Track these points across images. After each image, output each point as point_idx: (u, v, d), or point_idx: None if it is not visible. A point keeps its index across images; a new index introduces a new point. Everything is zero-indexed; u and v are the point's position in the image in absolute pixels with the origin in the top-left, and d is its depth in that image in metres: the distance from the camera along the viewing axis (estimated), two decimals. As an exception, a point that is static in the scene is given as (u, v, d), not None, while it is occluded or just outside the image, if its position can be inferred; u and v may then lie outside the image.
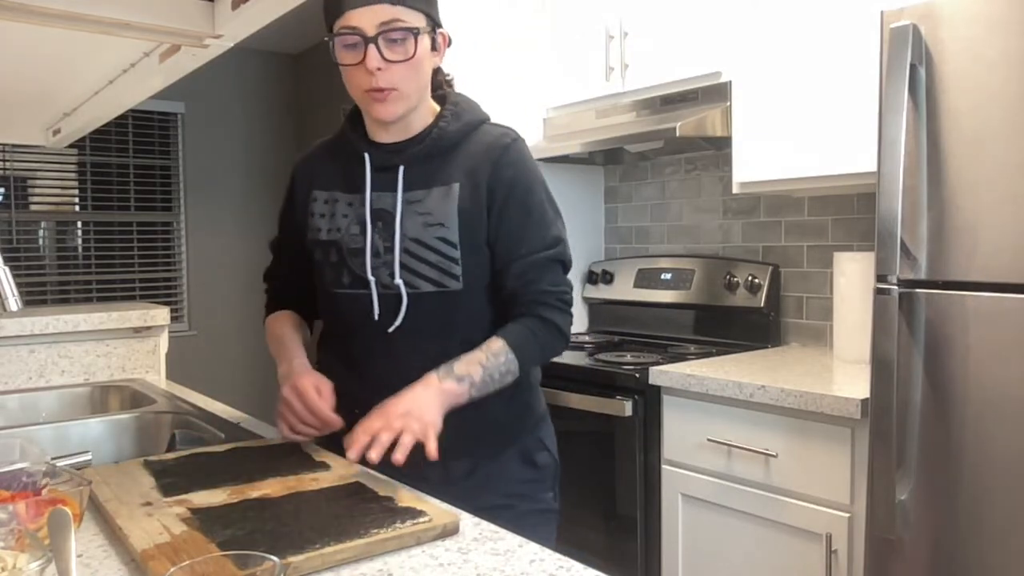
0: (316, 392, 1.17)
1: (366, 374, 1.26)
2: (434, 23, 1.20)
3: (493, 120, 1.33)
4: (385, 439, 1.04)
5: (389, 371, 1.22)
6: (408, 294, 1.21)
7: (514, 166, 1.24)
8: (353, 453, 1.04)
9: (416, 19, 1.16)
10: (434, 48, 1.22)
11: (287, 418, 1.18)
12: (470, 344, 1.20)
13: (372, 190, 1.24)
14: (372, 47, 1.13)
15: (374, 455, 1.03)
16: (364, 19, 1.13)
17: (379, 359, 1.26)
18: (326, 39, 1.18)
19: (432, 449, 1.05)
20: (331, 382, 1.20)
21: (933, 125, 1.48)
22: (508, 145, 1.25)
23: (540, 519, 1.30)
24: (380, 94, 1.16)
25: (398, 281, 1.21)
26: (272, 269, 1.45)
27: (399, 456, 1.03)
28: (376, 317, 1.24)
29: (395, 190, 1.23)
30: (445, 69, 1.33)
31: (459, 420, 1.16)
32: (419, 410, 1.09)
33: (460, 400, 1.15)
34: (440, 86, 1.32)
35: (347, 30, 1.14)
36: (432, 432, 1.07)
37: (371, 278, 1.23)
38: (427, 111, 1.27)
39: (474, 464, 1.27)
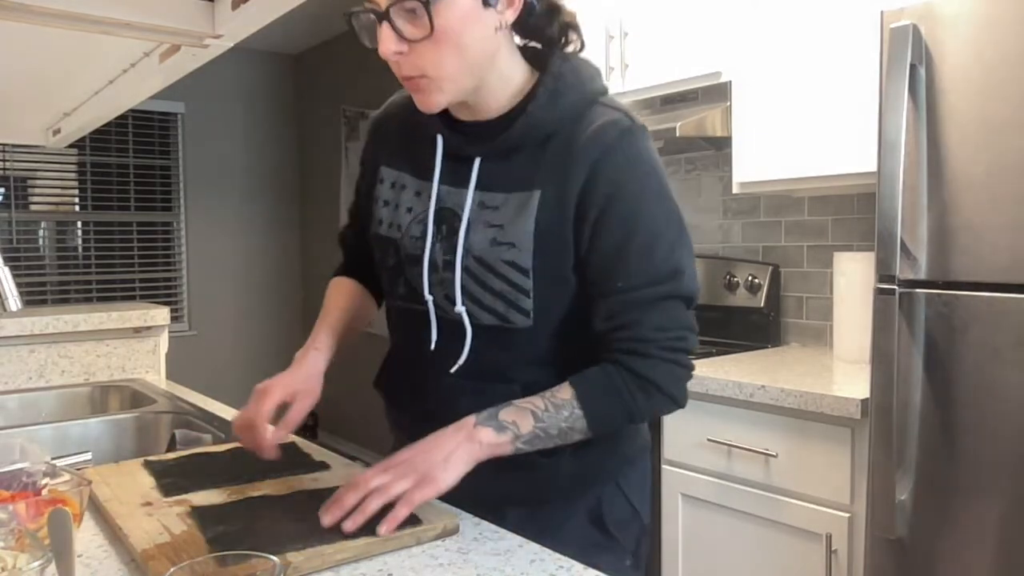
0: (274, 407, 1.00)
1: (419, 409, 1.07)
2: None
3: (605, 99, 0.99)
4: (348, 501, 0.86)
5: (443, 410, 0.98)
6: (472, 325, 0.99)
7: (620, 170, 0.94)
8: (325, 519, 0.86)
9: None
10: (487, 3, 0.89)
11: (237, 425, 1.04)
12: (533, 393, 0.95)
13: (441, 182, 1.00)
14: (385, 25, 0.87)
15: (326, 520, 0.85)
16: None
17: (434, 395, 1.05)
18: (345, 14, 0.94)
19: (394, 518, 0.84)
20: (316, 392, 1.04)
21: (933, 125, 1.48)
22: (614, 140, 0.94)
23: None
24: (412, 82, 0.92)
25: (460, 309, 0.98)
26: (346, 234, 1.22)
27: (382, 530, 0.84)
28: (433, 346, 1.02)
29: (466, 187, 0.98)
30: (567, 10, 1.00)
31: (517, 463, 0.95)
32: (427, 462, 0.88)
33: (498, 453, 0.92)
34: (551, 39, 0.99)
35: (366, 4, 0.90)
36: (427, 494, 0.87)
37: (428, 296, 1.00)
38: (511, 83, 0.97)
39: (528, 514, 1.02)
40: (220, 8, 1.24)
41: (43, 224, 4.66)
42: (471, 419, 0.92)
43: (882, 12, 1.55)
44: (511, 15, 0.92)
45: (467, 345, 0.99)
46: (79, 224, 4.75)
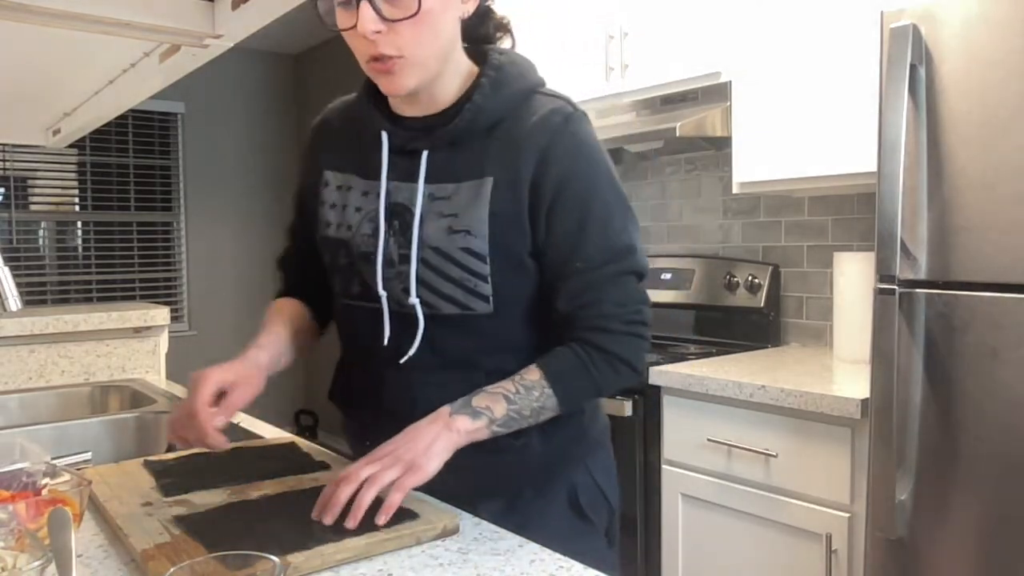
0: (212, 394, 0.96)
1: (378, 409, 1.07)
2: None
3: (545, 89, 1.03)
4: (343, 495, 0.85)
5: (403, 406, 1.01)
6: (425, 315, 1.00)
7: (569, 154, 0.97)
8: (324, 517, 0.86)
9: None
10: None
11: (172, 419, 0.99)
12: (501, 379, 0.97)
13: (390, 179, 1.01)
14: (365, 4, 0.87)
15: (327, 519, 0.85)
16: None
17: (392, 391, 1.05)
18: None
19: (389, 505, 0.85)
20: (257, 384, 1.01)
21: (933, 125, 1.48)
22: (560, 126, 0.97)
23: None
24: (384, 64, 0.91)
25: (413, 300, 0.99)
26: (286, 257, 1.22)
27: (380, 520, 0.85)
28: (386, 341, 1.02)
29: (416, 180, 0.99)
30: (499, 10, 1.05)
31: (487, 446, 0.96)
32: (410, 451, 0.89)
33: (476, 438, 0.94)
34: (486, 38, 1.04)
35: None
36: (415, 479, 0.88)
37: (382, 292, 1.01)
38: (459, 75, 1.00)
39: (507, 505, 1.05)
40: (220, 8, 1.24)
41: (43, 224, 4.66)
42: (445, 409, 0.93)
43: (882, 12, 1.55)
44: (471, 7, 0.97)
45: (418, 336, 1.00)
46: (79, 224, 4.75)
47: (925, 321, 1.50)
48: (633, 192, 2.96)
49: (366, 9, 0.87)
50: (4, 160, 4.42)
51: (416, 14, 0.88)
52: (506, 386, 0.96)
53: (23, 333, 1.86)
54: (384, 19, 0.88)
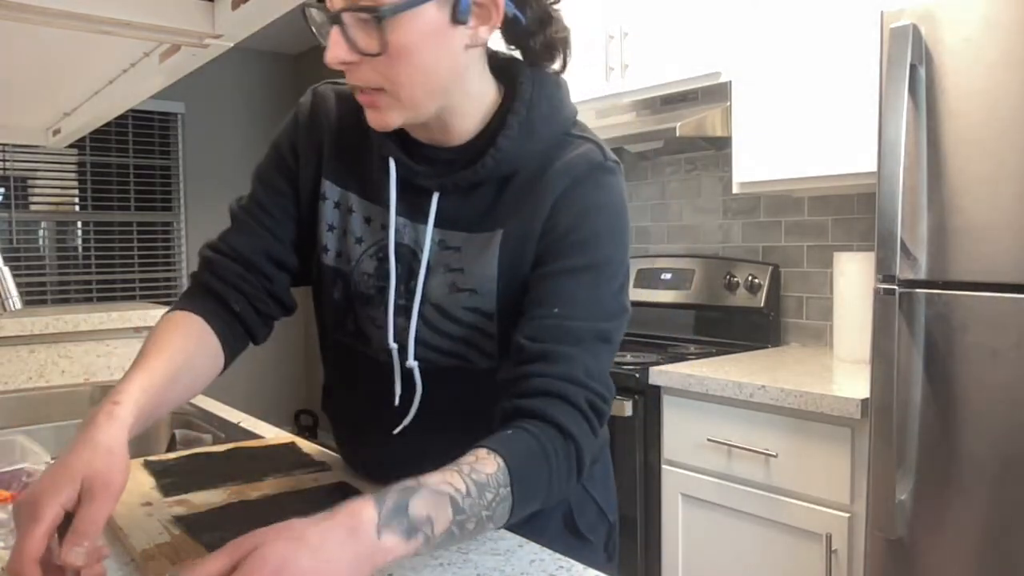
0: (44, 536, 0.63)
1: (369, 459, 0.99)
2: None
3: (578, 126, 0.90)
4: None
5: (393, 461, 0.86)
6: (421, 370, 0.89)
7: (584, 203, 0.84)
8: None
9: None
10: (456, 19, 0.77)
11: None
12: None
13: (397, 213, 0.88)
14: (336, 30, 0.75)
15: None
16: None
17: (383, 452, 0.94)
18: (301, 7, 0.82)
19: None
20: (115, 485, 0.67)
21: (933, 125, 1.48)
22: (583, 175, 0.85)
23: None
24: (367, 97, 0.80)
25: (411, 364, 0.89)
26: (219, 243, 0.96)
27: None
28: (397, 400, 0.91)
29: (425, 223, 0.87)
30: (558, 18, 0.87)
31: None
32: (295, 568, 0.58)
33: (398, 558, 0.66)
34: (547, 48, 0.87)
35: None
36: None
37: (392, 345, 0.89)
38: (482, 104, 0.87)
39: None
40: (220, 8, 1.24)
41: (43, 224, 4.66)
42: (373, 517, 0.65)
43: (882, 12, 1.55)
44: (486, 32, 0.80)
45: (415, 403, 0.89)
46: (79, 224, 4.75)
47: (925, 321, 1.50)
48: (633, 192, 2.96)
49: (336, 36, 0.75)
50: (4, 160, 4.42)
51: (380, 54, 0.75)
52: (455, 482, 0.69)
53: (23, 333, 1.86)
54: (355, 49, 0.75)
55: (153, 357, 0.81)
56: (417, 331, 0.88)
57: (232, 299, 0.92)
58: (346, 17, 0.74)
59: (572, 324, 0.81)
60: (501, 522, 0.74)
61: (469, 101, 0.85)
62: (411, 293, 0.88)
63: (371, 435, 0.96)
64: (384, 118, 0.81)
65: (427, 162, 0.88)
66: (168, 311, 0.91)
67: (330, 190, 0.92)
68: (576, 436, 0.78)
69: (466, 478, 0.70)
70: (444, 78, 0.80)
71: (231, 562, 0.59)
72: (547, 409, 0.77)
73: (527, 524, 0.88)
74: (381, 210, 0.89)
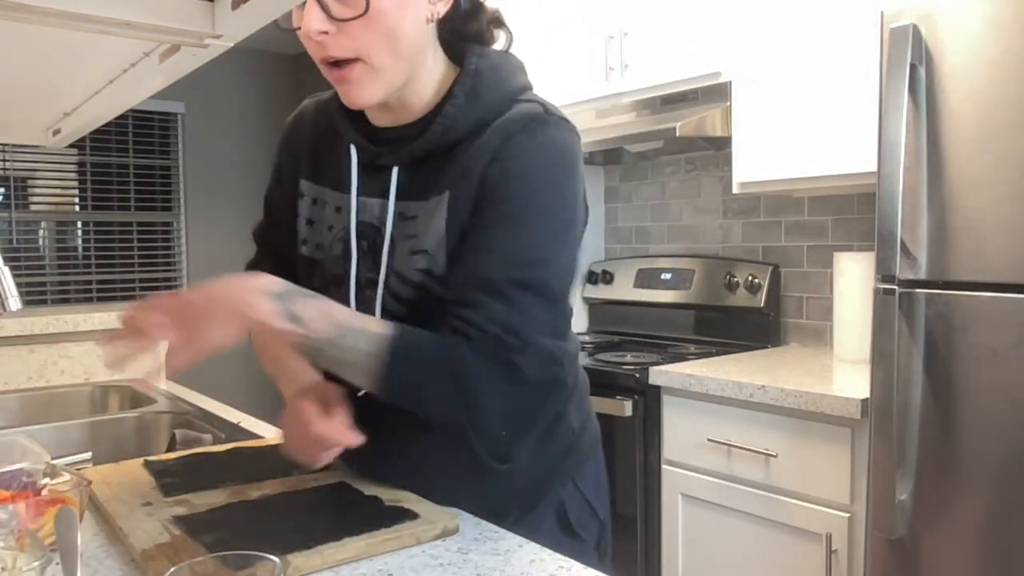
0: (317, 411, 0.87)
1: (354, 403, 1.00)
2: None
3: (528, 94, 0.93)
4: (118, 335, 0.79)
5: (362, 423, 0.91)
6: None
7: (516, 157, 0.86)
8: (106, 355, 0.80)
9: None
10: None
11: (296, 447, 0.92)
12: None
13: (359, 194, 0.94)
14: (312, 2, 0.80)
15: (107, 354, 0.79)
16: None
17: (356, 414, 0.95)
18: None
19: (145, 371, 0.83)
20: (340, 387, 0.90)
21: (933, 125, 1.48)
22: (519, 127, 0.87)
23: None
24: (341, 70, 0.84)
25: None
26: (254, 267, 1.11)
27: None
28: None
29: (386, 198, 0.92)
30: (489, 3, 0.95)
31: (471, 469, 0.92)
32: (205, 314, 0.79)
33: (270, 332, 0.81)
34: (479, 35, 0.94)
35: None
36: (186, 357, 0.79)
37: None
38: (434, 80, 0.91)
39: (495, 523, 0.94)
40: (220, 8, 1.24)
41: (43, 224, 4.66)
42: (266, 281, 0.81)
43: (882, 12, 1.55)
44: (443, 7, 0.87)
45: None
46: (79, 224, 4.75)
47: (925, 321, 1.50)
48: (633, 192, 2.96)
49: (313, 8, 0.79)
50: (4, 160, 4.41)
51: (365, 13, 0.79)
52: (343, 317, 0.83)
53: (23, 333, 1.86)
54: (332, 18, 0.80)
55: (288, 351, 0.97)
56: (383, 303, 0.92)
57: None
58: None
59: (492, 276, 0.84)
60: (364, 381, 0.85)
61: (425, 76, 0.90)
62: (377, 266, 0.92)
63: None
64: (360, 92, 0.85)
65: (386, 143, 0.93)
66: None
67: (307, 188, 1.00)
68: (468, 365, 0.82)
69: (355, 319, 0.84)
70: (412, 46, 0.86)
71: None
72: (452, 342, 0.84)
73: (521, 520, 0.97)
74: (347, 196, 0.95)
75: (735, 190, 2.25)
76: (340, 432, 0.86)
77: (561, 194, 0.89)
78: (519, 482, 0.99)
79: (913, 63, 1.49)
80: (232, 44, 1.31)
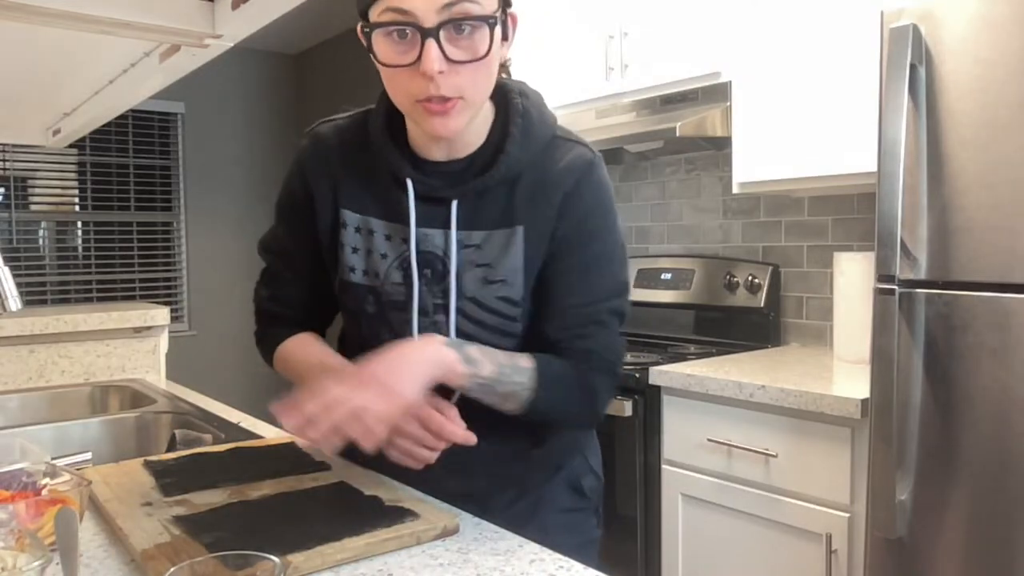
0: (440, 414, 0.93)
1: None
2: (505, 2, 0.91)
3: (561, 131, 1.04)
4: (308, 409, 0.83)
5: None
6: None
7: (588, 198, 1.00)
8: (288, 423, 0.85)
9: (488, 0, 0.86)
10: (505, 36, 0.92)
11: (406, 448, 0.93)
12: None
13: (418, 226, 0.99)
14: (431, 42, 0.84)
15: (289, 423, 0.85)
16: (417, 1, 0.83)
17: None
18: (363, 29, 0.89)
19: (372, 436, 0.84)
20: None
21: (933, 125, 1.48)
22: (584, 171, 1.00)
23: (582, 554, 0.91)
24: (442, 106, 0.88)
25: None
26: (268, 283, 1.15)
27: (368, 446, 0.85)
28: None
29: (447, 226, 0.98)
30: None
31: (505, 450, 1.02)
32: (389, 372, 0.86)
33: (453, 382, 0.92)
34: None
35: (395, 15, 0.84)
36: (389, 406, 0.85)
37: (417, 337, 1.00)
38: (484, 118, 1.00)
39: (518, 495, 1.10)
40: (220, 8, 1.24)
41: (43, 224, 4.66)
42: (437, 337, 0.93)
43: (882, 12, 1.55)
44: (506, 51, 0.96)
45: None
46: (79, 224, 4.75)
47: (925, 321, 1.50)
48: (633, 192, 2.96)
49: (432, 48, 0.84)
50: (4, 160, 4.42)
51: (483, 58, 0.87)
52: (498, 356, 0.95)
53: (23, 333, 1.86)
54: (449, 60, 0.85)
55: (325, 355, 1.06)
56: (457, 324, 1.00)
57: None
58: (444, 32, 0.84)
59: (592, 308, 1.00)
60: (520, 408, 0.96)
61: (481, 115, 0.98)
62: (445, 292, 0.99)
63: None
64: (454, 123, 0.90)
65: (439, 176, 0.99)
66: (277, 347, 1.12)
67: (350, 217, 1.03)
68: (593, 384, 1.00)
69: (510, 358, 0.95)
70: (492, 87, 0.95)
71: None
72: (576, 363, 0.99)
73: (542, 489, 1.11)
74: (401, 227, 1.00)
75: (735, 190, 2.25)
76: (459, 431, 0.92)
77: (618, 225, 1.04)
78: (543, 461, 1.11)
79: (913, 63, 1.49)
80: (232, 44, 1.32)
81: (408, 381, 0.87)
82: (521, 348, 1.01)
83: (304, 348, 1.10)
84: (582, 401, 1.01)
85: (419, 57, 0.84)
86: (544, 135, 1.00)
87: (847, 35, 1.96)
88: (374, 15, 0.86)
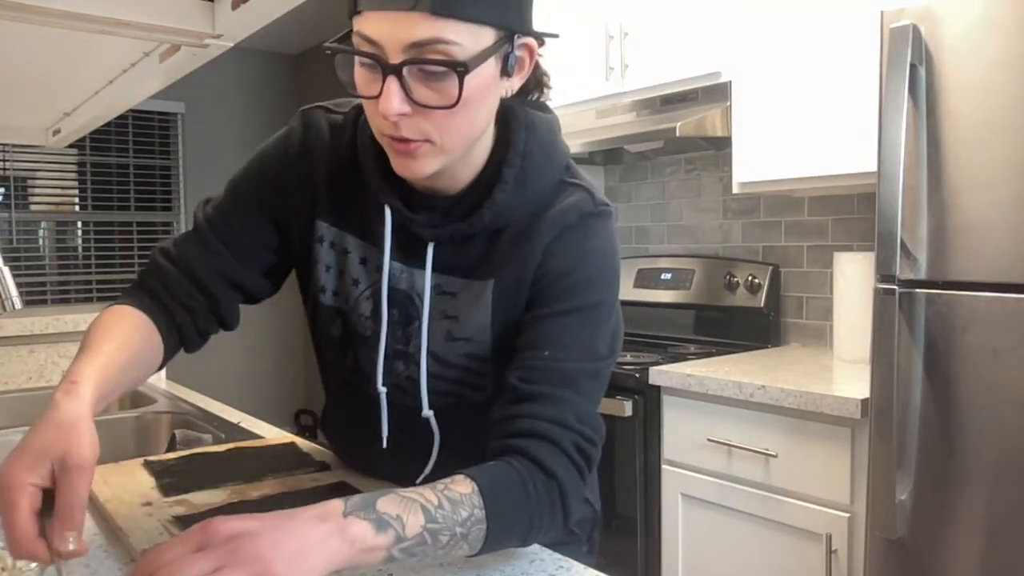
0: (34, 507, 0.64)
1: (378, 450, 0.97)
2: (511, 32, 0.77)
3: (570, 170, 0.90)
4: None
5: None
6: (412, 407, 0.91)
7: (578, 247, 0.85)
8: None
9: (474, 39, 0.72)
10: (505, 72, 0.78)
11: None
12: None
13: (393, 258, 0.89)
14: (392, 81, 0.72)
15: None
16: (385, 31, 0.71)
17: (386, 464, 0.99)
18: (326, 48, 0.78)
19: None
20: (88, 461, 0.65)
21: (933, 125, 1.48)
22: (573, 223, 0.86)
23: None
24: (406, 146, 0.77)
25: (427, 414, 0.90)
26: (175, 252, 0.93)
27: None
28: (384, 443, 0.93)
29: (422, 268, 0.88)
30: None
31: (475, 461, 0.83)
32: (272, 551, 0.59)
33: (367, 561, 0.65)
34: (526, 92, 0.89)
35: (362, 42, 0.73)
36: None
37: (381, 389, 0.91)
38: (484, 149, 0.86)
39: None
40: (220, 8, 1.24)
41: (43, 224, 4.66)
42: (337, 505, 0.66)
43: (882, 12, 1.55)
44: (517, 82, 0.81)
45: (434, 454, 0.91)
46: (79, 224, 4.75)
47: (925, 321, 1.50)
48: (633, 192, 2.96)
49: (393, 85, 0.71)
50: (4, 160, 4.41)
51: (453, 106, 0.73)
52: (426, 494, 0.70)
53: (23, 333, 1.86)
54: (413, 102, 0.73)
55: (105, 343, 0.79)
56: (430, 385, 0.89)
57: (177, 314, 0.91)
58: (408, 73, 0.72)
59: (563, 366, 0.81)
60: (477, 545, 0.72)
61: (477, 149, 0.84)
62: (408, 338, 0.89)
63: (367, 454, 1.00)
64: (420, 167, 0.78)
65: (424, 210, 0.87)
66: (113, 303, 0.90)
67: (326, 231, 0.92)
68: (560, 477, 0.77)
69: (439, 494, 0.70)
70: (482, 129, 0.81)
71: (196, 546, 0.60)
72: (532, 449, 0.77)
73: None
74: (377, 252, 0.89)
75: (735, 190, 2.25)
76: (31, 534, 0.63)
77: (614, 286, 0.89)
78: None
79: (913, 63, 1.49)
80: (232, 44, 1.31)
81: (296, 570, 0.60)
82: (490, 397, 0.87)
83: (112, 318, 0.86)
84: (547, 510, 0.77)
85: (380, 93, 0.73)
86: (546, 181, 0.87)
87: (847, 35, 1.96)
88: (355, 27, 0.75)
